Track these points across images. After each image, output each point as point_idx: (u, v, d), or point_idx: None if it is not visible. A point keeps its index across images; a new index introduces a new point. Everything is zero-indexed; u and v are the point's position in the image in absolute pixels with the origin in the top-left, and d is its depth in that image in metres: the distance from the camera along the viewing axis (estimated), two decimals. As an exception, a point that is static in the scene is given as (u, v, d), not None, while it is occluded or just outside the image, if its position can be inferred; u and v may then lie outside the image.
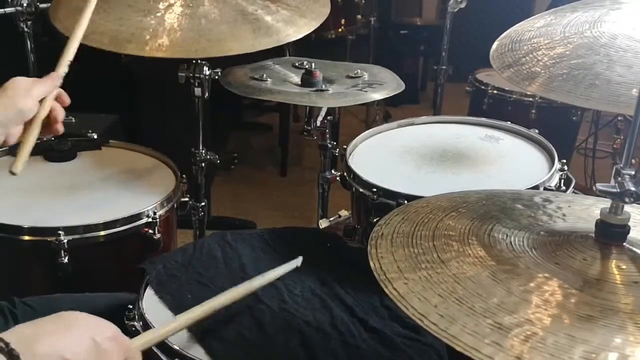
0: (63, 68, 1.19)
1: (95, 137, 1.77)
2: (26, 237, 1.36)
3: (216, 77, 1.74)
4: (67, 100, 1.20)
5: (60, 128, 1.18)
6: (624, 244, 0.84)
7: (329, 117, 1.77)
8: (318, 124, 1.73)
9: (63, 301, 1.21)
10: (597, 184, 0.84)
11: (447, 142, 1.75)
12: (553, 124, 2.37)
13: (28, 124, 1.14)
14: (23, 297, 1.21)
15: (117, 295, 1.23)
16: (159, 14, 1.54)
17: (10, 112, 1.10)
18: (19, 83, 1.15)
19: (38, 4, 1.77)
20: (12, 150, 1.69)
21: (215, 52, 1.51)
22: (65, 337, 0.79)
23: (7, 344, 0.73)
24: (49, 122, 1.16)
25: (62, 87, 1.22)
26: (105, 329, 0.83)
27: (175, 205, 1.54)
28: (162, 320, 1.09)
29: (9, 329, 1.11)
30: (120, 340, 0.84)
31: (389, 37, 3.99)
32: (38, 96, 1.14)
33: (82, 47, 1.44)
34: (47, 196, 1.52)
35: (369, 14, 3.54)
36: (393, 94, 1.62)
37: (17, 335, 0.76)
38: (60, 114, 1.18)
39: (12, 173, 1.11)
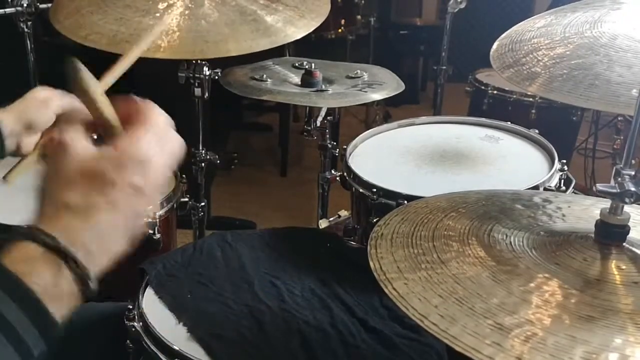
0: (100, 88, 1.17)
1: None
2: (26, 237, 1.36)
3: (216, 77, 1.74)
4: None
5: None
6: (624, 244, 0.84)
7: (329, 117, 1.77)
8: (318, 124, 1.73)
9: None
10: (597, 185, 0.84)
11: (447, 142, 1.75)
12: (553, 124, 2.37)
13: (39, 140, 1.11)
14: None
15: (119, 304, 1.22)
16: (158, 15, 1.53)
17: (21, 121, 1.08)
18: (38, 93, 1.12)
19: (38, 4, 1.78)
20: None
21: (214, 53, 1.50)
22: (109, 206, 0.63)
23: (55, 241, 0.60)
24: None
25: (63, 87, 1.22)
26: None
27: (175, 205, 1.54)
28: (162, 320, 1.09)
29: None
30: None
31: (388, 38, 3.99)
32: (57, 109, 1.11)
33: (82, 47, 1.44)
34: (47, 196, 1.51)
35: (368, 14, 3.54)
36: (393, 94, 1.62)
37: (58, 226, 0.62)
38: None
39: (5, 180, 1.09)
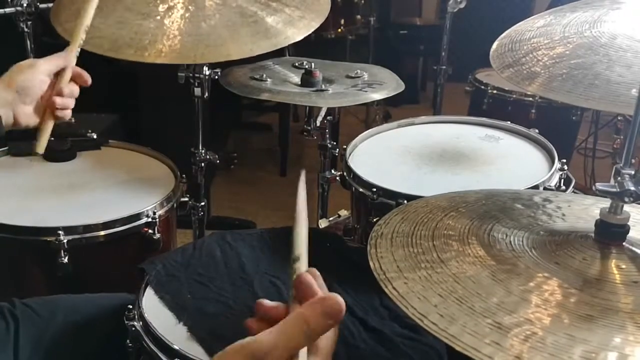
0: (80, 37, 1.18)
1: (95, 137, 1.77)
2: (26, 237, 1.36)
3: (216, 77, 1.74)
4: (88, 79, 1.17)
5: (68, 113, 1.16)
6: (624, 243, 0.84)
7: (328, 117, 1.77)
8: (318, 124, 1.73)
9: (63, 302, 1.22)
10: (597, 184, 0.84)
11: (447, 142, 1.75)
12: (553, 123, 2.37)
13: (45, 104, 1.14)
14: (22, 298, 1.21)
15: (116, 295, 1.23)
16: (158, 18, 1.53)
17: (11, 89, 1.09)
18: (24, 62, 1.15)
19: (38, 4, 1.77)
20: (12, 150, 1.70)
21: (215, 57, 1.50)
22: None
23: None
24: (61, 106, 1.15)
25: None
26: None
27: (175, 205, 1.54)
28: (162, 320, 1.09)
29: (9, 330, 1.12)
30: None
31: (388, 37, 3.99)
32: (45, 70, 1.13)
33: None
34: (47, 196, 1.51)
35: (368, 14, 3.54)
36: (393, 94, 1.62)
37: None
38: (73, 94, 1.15)
39: (36, 153, 1.14)
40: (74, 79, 1.16)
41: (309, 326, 0.59)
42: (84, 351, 1.17)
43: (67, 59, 1.15)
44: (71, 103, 1.16)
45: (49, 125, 1.15)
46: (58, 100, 1.14)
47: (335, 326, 0.63)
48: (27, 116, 1.13)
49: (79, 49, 1.19)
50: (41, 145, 1.14)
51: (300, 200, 0.70)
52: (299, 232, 0.68)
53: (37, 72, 1.11)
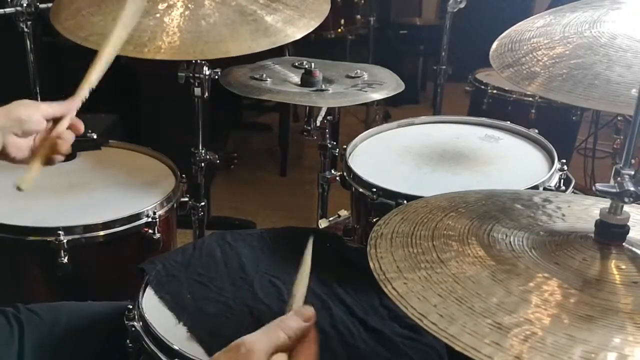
0: (84, 92, 1.18)
1: (95, 137, 1.77)
2: (26, 237, 1.36)
3: (216, 77, 1.74)
4: (81, 128, 1.18)
5: (59, 158, 1.15)
6: (624, 244, 0.84)
7: (328, 117, 1.77)
8: (318, 124, 1.73)
9: (67, 309, 1.22)
10: (597, 184, 0.84)
11: (447, 142, 1.75)
12: (553, 124, 2.37)
13: (38, 145, 1.13)
14: (22, 298, 1.21)
15: (119, 303, 1.23)
16: (157, 15, 1.53)
17: (9, 118, 1.10)
18: (26, 100, 1.15)
19: (38, 4, 1.78)
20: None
21: (214, 54, 1.51)
22: None
23: None
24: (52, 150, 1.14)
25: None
26: None
27: (175, 205, 1.54)
28: (162, 320, 1.09)
29: (13, 333, 1.12)
30: None
31: (388, 37, 3.99)
32: (45, 111, 1.13)
33: (81, 48, 1.44)
34: (47, 196, 1.51)
35: (368, 14, 3.54)
36: (393, 94, 1.62)
37: None
38: (67, 141, 1.15)
39: (19, 189, 1.10)
40: (69, 126, 1.17)
41: (285, 324, 0.73)
42: (85, 352, 1.17)
43: (69, 109, 1.16)
44: (68, 149, 1.17)
45: (39, 166, 1.13)
46: (65, 146, 1.14)
47: (311, 331, 0.75)
48: (17, 148, 1.13)
49: (80, 103, 1.19)
50: (26, 183, 1.10)
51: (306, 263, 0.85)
52: (298, 289, 0.81)
53: (37, 111, 1.12)
